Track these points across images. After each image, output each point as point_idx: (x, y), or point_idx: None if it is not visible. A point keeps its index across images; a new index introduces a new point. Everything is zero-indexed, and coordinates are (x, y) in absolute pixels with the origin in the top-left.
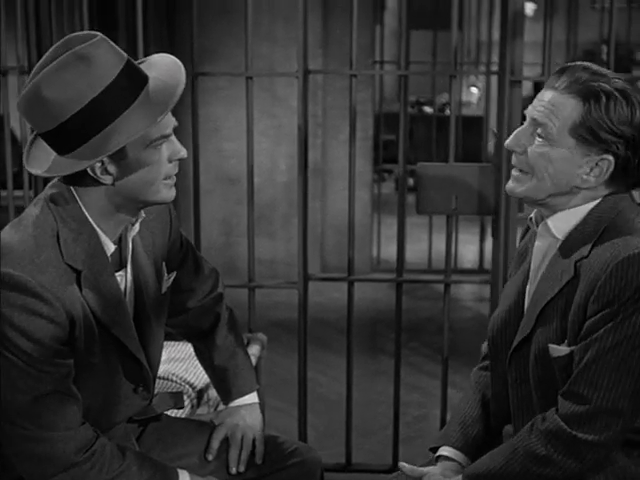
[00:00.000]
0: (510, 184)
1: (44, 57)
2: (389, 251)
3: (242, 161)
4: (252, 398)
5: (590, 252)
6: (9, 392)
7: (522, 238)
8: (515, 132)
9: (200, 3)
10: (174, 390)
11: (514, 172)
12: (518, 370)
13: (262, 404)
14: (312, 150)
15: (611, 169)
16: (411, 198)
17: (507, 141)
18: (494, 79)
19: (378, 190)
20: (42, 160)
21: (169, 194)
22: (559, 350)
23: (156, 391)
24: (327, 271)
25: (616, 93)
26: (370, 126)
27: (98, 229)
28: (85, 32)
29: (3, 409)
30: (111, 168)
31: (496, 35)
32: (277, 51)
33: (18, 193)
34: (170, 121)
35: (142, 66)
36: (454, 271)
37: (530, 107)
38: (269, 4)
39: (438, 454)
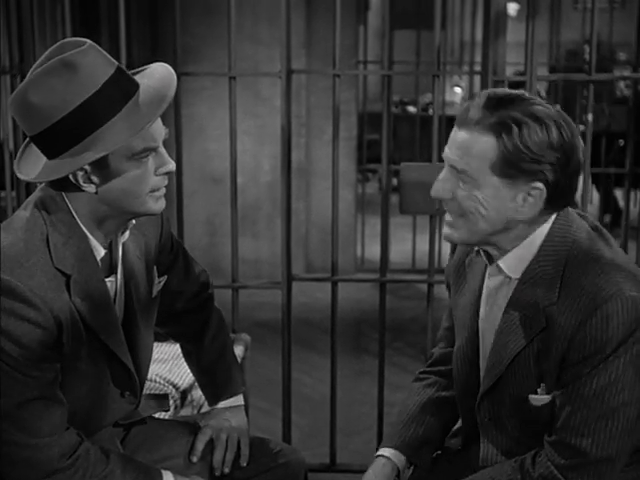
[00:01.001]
0: (446, 231)
1: (38, 61)
2: (373, 251)
3: (226, 161)
4: (238, 400)
5: (558, 296)
6: None
7: (453, 250)
8: (438, 179)
9: (183, 3)
10: (157, 391)
11: (447, 217)
12: (487, 410)
13: (246, 405)
14: (296, 150)
15: (544, 196)
16: (395, 198)
17: (432, 191)
18: (477, 79)
19: (362, 190)
20: (34, 164)
21: (156, 206)
22: (540, 399)
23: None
24: (311, 271)
25: (527, 119)
26: (354, 126)
27: (88, 234)
28: (77, 39)
29: None
30: (94, 177)
31: (479, 35)
32: (261, 51)
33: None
34: (158, 133)
35: (139, 75)
36: (437, 271)
37: (447, 150)
38: (252, 5)
39: (377, 454)
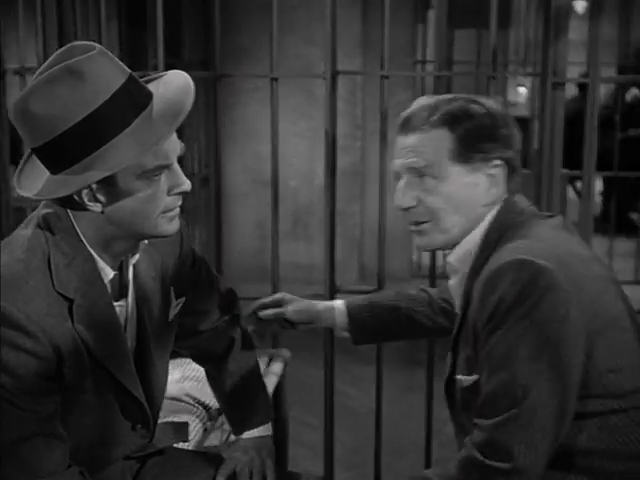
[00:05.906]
0: (420, 241)
1: (44, 64)
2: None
3: (278, 164)
4: (265, 430)
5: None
6: None
7: None
8: (399, 188)
9: (235, 3)
10: (185, 412)
11: (414, 227)
12: (449, 398)
13: (285, 419)
14: (351, 153)
15: (506, 171)
16: None
17: (396, 201)
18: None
19: None
20: (36, 178)
21: (169, 228)
22: (466, 380)
23: (161, 418)
24: (366, 275)
25: (469, 107)
26: None
27: (95, 255)
28: (86, 42)
29: None
30: (100, 196)
31: None
32: (314, 52)
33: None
34: (172, 149)
35: (154, 82)
36: None
37: (397, 160)
38: (306, 5)
39: None
